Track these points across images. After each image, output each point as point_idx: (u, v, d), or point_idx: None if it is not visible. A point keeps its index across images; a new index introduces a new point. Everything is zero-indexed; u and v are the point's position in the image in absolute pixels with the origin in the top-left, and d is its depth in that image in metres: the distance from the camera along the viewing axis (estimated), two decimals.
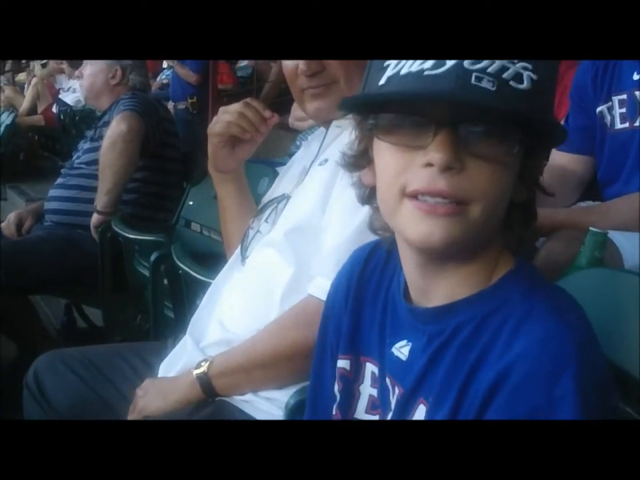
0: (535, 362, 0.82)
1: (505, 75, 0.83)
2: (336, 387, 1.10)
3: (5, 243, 2.92)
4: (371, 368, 1.05)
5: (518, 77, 0.83)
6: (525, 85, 0.84)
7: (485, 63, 0.82)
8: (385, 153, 0.90)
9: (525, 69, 0.84)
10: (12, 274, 2.72)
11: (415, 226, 0.87)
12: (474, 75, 0.82)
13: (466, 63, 0.82)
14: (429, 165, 0.84)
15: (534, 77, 0.84)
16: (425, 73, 0.83)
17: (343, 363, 1.09)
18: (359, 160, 0.98)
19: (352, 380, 1.08)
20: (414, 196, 0.86)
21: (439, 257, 0.92)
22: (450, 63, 0.82)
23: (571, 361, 0.81)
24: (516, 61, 0.84)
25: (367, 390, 1.06)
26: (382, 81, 0.87)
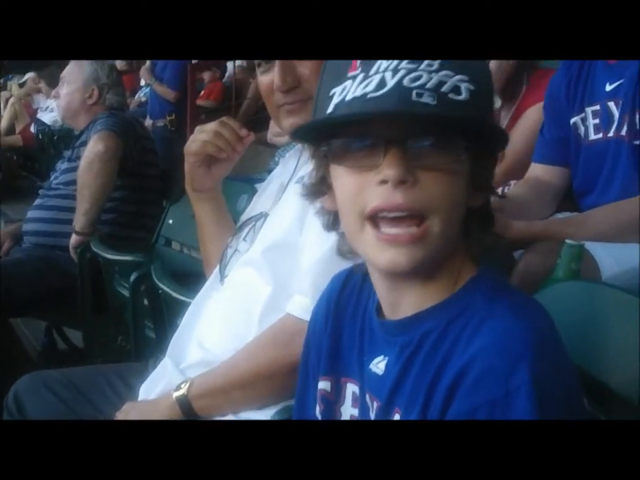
0: (492, 356, 0.85)
1: (443, 89, 0.86)
2: (317, 409, 1.10)
3: None
4: (351, 388, 1.06)
5: (456, 89, 0.87)
6: (463, 95, 0.87)
7: (424, 79, 0.86)
8: (342, 177, 0.93)
9: (462, 80, 0.87)
10: None
11: (379, 255, 0.91)
12: (414, 91, 0.85)
13: (405, 81, 0.86)
14: (384, 182, 0.88)
15: (471, 87, 0.88)
16: (369, 95, 0.87)
17: (323, 385, 1.10)
18: (319, 187, 1.00)
19: (333, 401, 1.09)
20: (374, 216, 0.89)
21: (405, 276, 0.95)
22: (390, 84, 0.86)
23: (527, 354, 0.83)
24: (452, 74, 0.87)
25: (348, 410, 1.07)
26: (330, 109, 0.91)
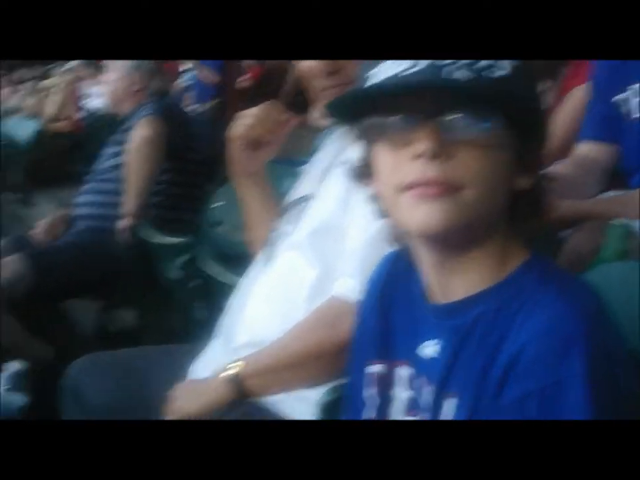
0: (544, 342, 0.85)
1: (476, 66, 0.87)
2: (369, 392, 1.10)
3: (37, 250, 2.97)
4: (404, 371, 1.07)
5: (491, 68, 0.88)
6: (502, 71, 0.88)
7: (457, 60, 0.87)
8: (379, 154, 0.95)
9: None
10: (44, 281, 2.76)
11: (413, 215, 0.91)
12: (446, 68, 0.87)
13: (438, 61, 0.87)
14: (418, 156, 0.88)
15: (507, 66, 0.89)
16: (401, 75, 0.88)
17: (376, 368, 1.10)
18: (364, 170, 1.01)
19: (386, 384, 1.09)
20: (410, 188, 0.90)
21: (447, 246, 0.95)
22: (423, 63, 0.87)
23: (579, 340, 0.84)
24: None
25: (402, 394, 1.07)
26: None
